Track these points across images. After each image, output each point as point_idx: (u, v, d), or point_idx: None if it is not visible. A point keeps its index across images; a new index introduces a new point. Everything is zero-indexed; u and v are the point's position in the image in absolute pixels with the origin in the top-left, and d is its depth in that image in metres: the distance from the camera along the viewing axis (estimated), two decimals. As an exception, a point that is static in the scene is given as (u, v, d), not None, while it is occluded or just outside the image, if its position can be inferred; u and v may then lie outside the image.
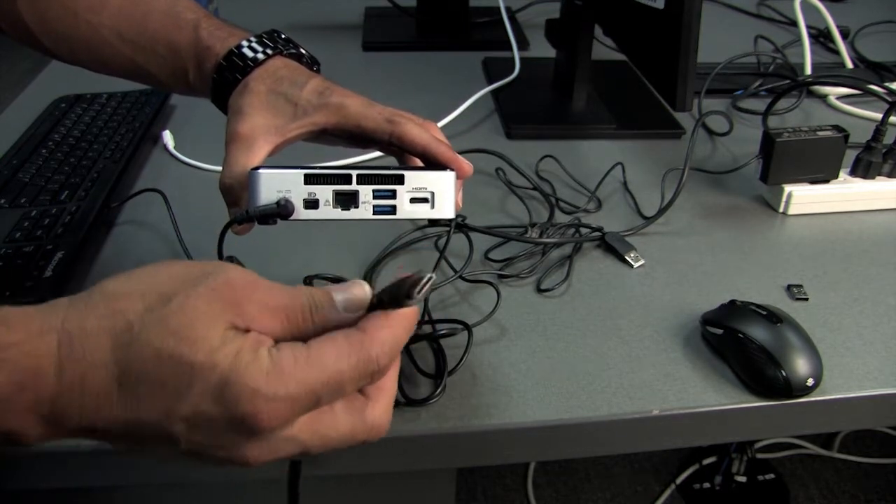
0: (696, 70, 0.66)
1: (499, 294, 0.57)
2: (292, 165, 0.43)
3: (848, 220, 0.69)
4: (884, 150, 0.70)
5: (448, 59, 1.05)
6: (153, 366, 0.30)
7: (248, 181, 0.42)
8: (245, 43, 0.49)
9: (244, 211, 0.43)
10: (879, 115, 0.71)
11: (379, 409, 0.34)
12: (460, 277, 0.59)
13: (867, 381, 0.51)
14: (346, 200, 0.43)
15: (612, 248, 0.64)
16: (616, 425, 0.48)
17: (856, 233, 0.68)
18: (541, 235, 0.65)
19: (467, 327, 0.53)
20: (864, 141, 0.71)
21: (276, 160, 0.46)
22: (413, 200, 0.43)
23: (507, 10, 1.11)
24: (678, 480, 1.40)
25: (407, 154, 0.48)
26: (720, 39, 1.05)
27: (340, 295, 0.33)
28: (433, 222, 0.45)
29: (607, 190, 0.74)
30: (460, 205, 0.46)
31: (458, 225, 0.61)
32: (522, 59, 0.98)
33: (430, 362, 0.52)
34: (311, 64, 0.53)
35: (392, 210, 0.43)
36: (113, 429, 0.31)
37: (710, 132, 0.86)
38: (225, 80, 0.49)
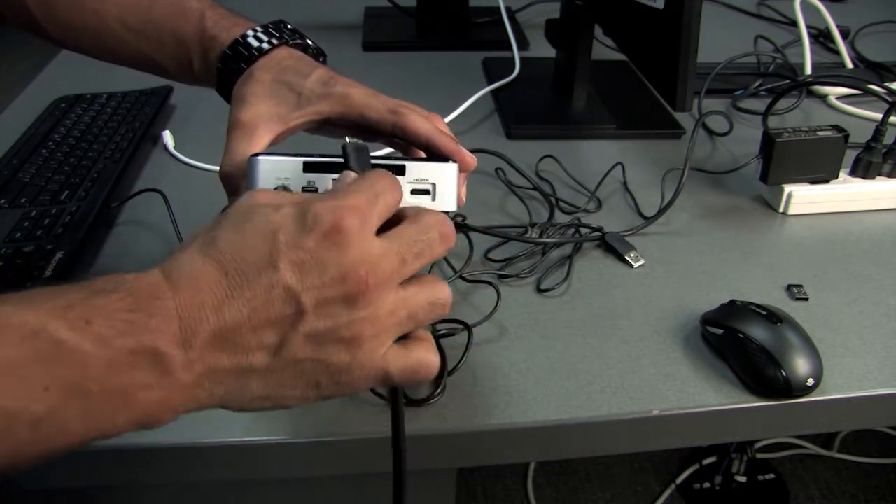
0: (696, 70, 0.66)
1: (499, 294, 0.57)
2: (292, 153, 0.42)
3: (848, 220, 0.69)
4: (884, 150, 0.70)
5: (448, 59, 1.05)
6: (240, 243, 0.32)
7: (247, 168, 0.42)
8: (251, 32, 0.49)
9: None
10: (879, 115, 0.71)
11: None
12: (460, 277, 0.59)
13: (867, 381, 0.51)
14: None
15: (612, 248, 0.64)
16: (616, 425, 0.48)
17: (856, 233, 0.68)
18: (541, 235, 0.65)
19: (467, 327, 0.53)
20: (864, 141, 0.71)
21: (278, 150, 0.46)
22: (414, 192, 0.42)
23: (507, 10, 1.11)
24: (678, 480, 1.40)
25: (412, 148, 0.48)
26: (720, 39, 1.05)
27: (338, 183, 0.37)
28: None
29: (607, 190, 0.74)
30: (463, 200, 0.46)
31: (458, 225, 0.61)
32: (522, 59, 0.98)
33: (430, 362, 0.52)
34: (317, 55, 0.53)
35: None
36: (240, 322, 0.32)
37: (710, 132, 0.86)
38: (230, 69, 0.49)
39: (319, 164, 0.42)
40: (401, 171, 0.42)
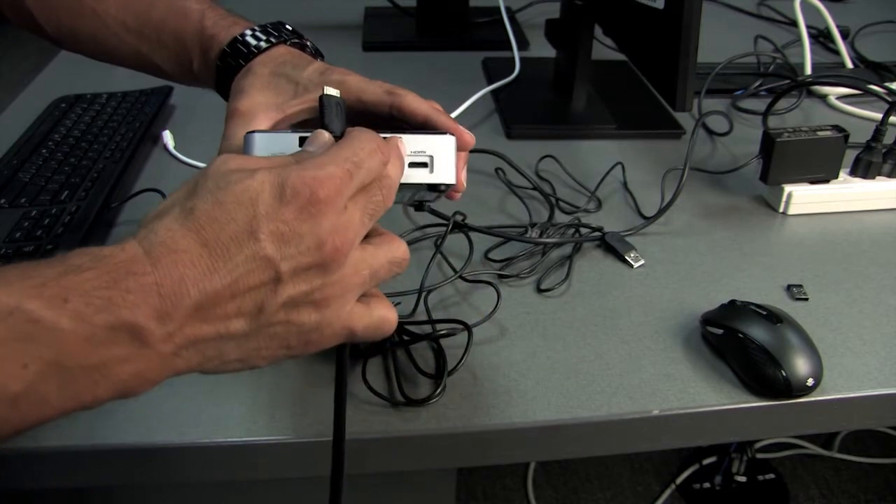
0: (696, 70, 0.66)
1: (499, 294, 0.57)
2: (289, 130, 0.42)
3: (848, 220, 0.69)
4: (884, 150, 0.70)
5: (448, 59, 1.05)
6: (219, 212, 0.33)
7: (244, 144, 0.42)
8: (249, 32, 0.50)
9: None
10: (879, 115, 0.71)
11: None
12: (460, 277, 0.59)
13: (867, 381, 0.51)
14: None
15: (612, 248, 0.64)
16: (616, 425, 0.48)
17: (856, 233, 0.68)
18: (541, 235, 0.65)
19: (467, 327, 0.53)
20: (864, 141, 0.71)
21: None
22: (412, 165, 0.42)
23: (507, 10, 1.11)
24: (678, 480, 1.40)
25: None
26: (720, 39, 1.05)
27: (311, 145, 0.38)
28: (433, 188, 0.43)
29: (607, 190, 0.74)
30: (463, 183, 0.45)
31: (458, 225, 0.61)
32: (522, 59, 0.98)
33: (430, 362, 0.52)
34: (315, 54, 0.53)
35: None
36: (220, 292, 0.32)
37: (710, 132, 0.86)
38: (228, 66, 0.49)
39: None
40: None
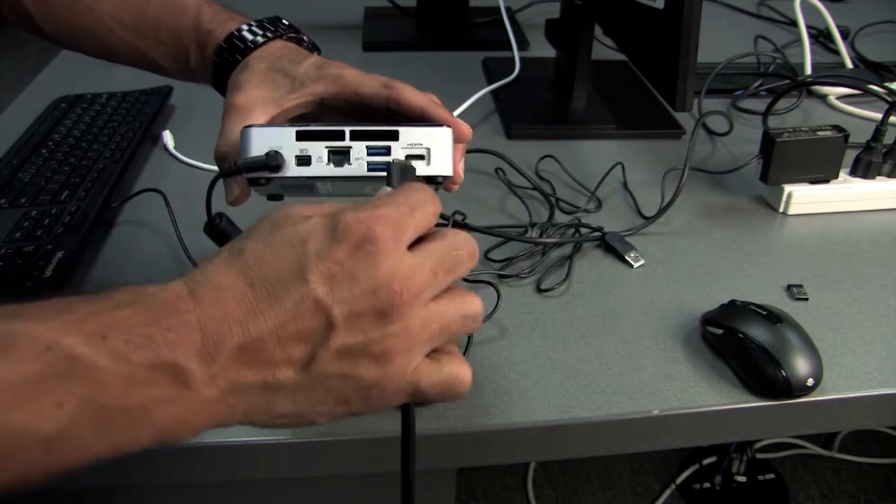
0: (696, 70, 0.66)
1: (499, 294, 0.57)
2: (286, 124, 0.42)
3: (848, 220, 0.69)
4: (884, 150, 0.70)
5: (448, 59, 1.05)
6: (268, 254, 0.32)
7: (240, 139, 0.41)
8: (245, 27, 0.50)
9: (233, 162, 0.41)
10: (879, 115, 0.71)
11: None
12: (460, 277, 0.59)
13: (867, 381, 0.51)
14: (340, 157, 0.41)
15: (612, 248, 0.64)
16: (616, 425, 0.48)
17: (856, 233, 0.68)
18: (541, 235, 0.65)
19: (467, 327, 0.53)
20: (864, 141, 0.71)
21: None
22: (408, 157, 0.42)
23: (507, 10, 1.11)
24: (678, 480, 1.40)
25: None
26: (720, 39, 1.05)
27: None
28: (430, 180, 0.43)
29: (607, 190, 0.74)
30: (461, 175, 0.45)
31: (458, 224, 0.61)
32: (522, 59, 0.98)
33: (430, 362, 0.52)
34: (312, 49, 0.53)
35: (387, 166, 0.42)
36: (266, 336, 0.30)
37: (710, 132, 0.86)
38: (225, 61, 0.49)
39: (312, 132, 0.41)
40: (394, 136, 0.42)
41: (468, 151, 0.68)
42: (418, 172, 0.42)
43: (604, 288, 0.60)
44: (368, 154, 0.42)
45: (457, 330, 0.35)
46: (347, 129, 0.42)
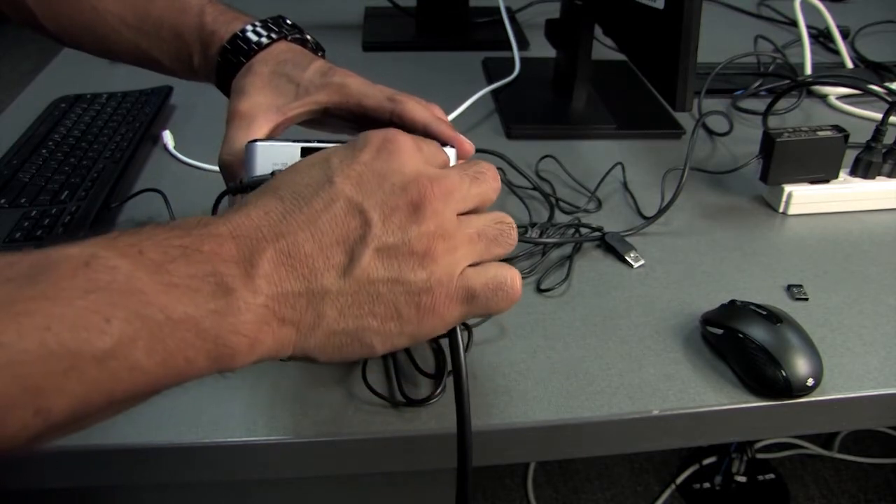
0: (696, 70, 0.66)
1: (499, 294, 0.57)
2: (291, 139, 0.42)
3: (848, 220, 0.69)
4: (884, 150, 0.70)
5: (448, 59, 1.05)
6: (293, 175, 0.33)
7: (245, 154, 0.41)
8: (250, 27, 0.49)
9: (238, 181, 0.41)
10: (879, 115, 0.71)
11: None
12: (460, 277, 0.59)
13: (867, 381, 0.51)
14: None
15: (612, 248, 0.64)
16: (616, 425, 0.48)
17: (856, 233, 0.68)
18: (541, 235, 0.65)
19: (467, 327, 0.53)
20: (864, 141, 0.71)
21: (277, 139, 0.45)
22: None
23: (507, 10, 1.11)
24: (678, 480, 1.40)
25: None
26: (720, 39, 1.05)
27: None
28: None
29: (607, 190, 0.74)
30: None
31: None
32: (522, 59, 0.98)
33: (430, 362, 0.52)
34: (316, 50, 0.53)
35: None
36: (302, 242, 0.31)
37: (710, 132, 0.86)
38: (229, 63, 0.49)
39: (317, 149, 0.41)
40: None
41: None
42: None
43: (604, 288, 0.60)
44: None
45: (494, 235, 0.35)
46: None
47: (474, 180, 0.35)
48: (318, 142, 0.41)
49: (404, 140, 0.33)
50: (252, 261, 0.30)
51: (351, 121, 0.49)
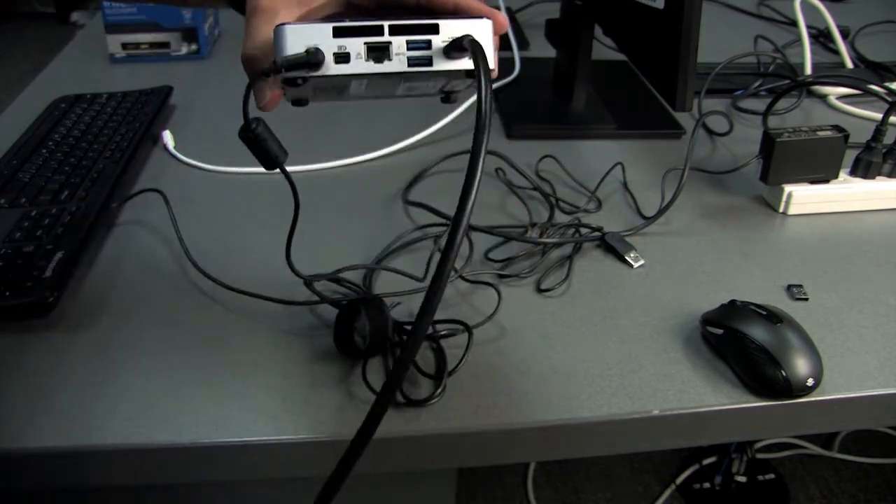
0: (696, 70, 0.66)
1: (499, 294, 0.57)
2: (321, 21, 0.40)
3: (848, 220, 0.69)
4: (884, 150, 0.70)
5: (448, 59, 1.05)
6: None
7: (274, 38, 0.40)
8: None
9: (272, 62, 0.40)
10: (879, 115, 0.71)
11: None
12: (460, 277, 0.59)
13: (867, 381, 0.51)
14: (379, 53, 0.40)
15: (612, 248, 0.64)
16: (616, 425, 0.48)
17: (856, 233, 0.68)
18: (541, 235, 0.65)
19: (468, 328, 0.53)
20: (864, 141, 0.71)
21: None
22: (448, 50, 0.40)
23: (508, 10, 1.11)
24: (678, 480, 1.40)
25: None
26: (720, 39, 1.05)
27: None
28: (471, 73, 0.41)
29: (607, 190, 0.74)
30: (496, 70, 0.43)
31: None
32: (522, 59, 0.98)
33: (430, 363, 0.52)
34: None
35: (428, 61, 0.40)
36: None
37: (710, 132, 0.86)
38: None
39: (350, 28, 0.40)
40: (434, 29, 0.40)
41: (466, 153, 0.68)
42: (460, 66, 0.41)
43: (604, 288, 0.60)
44: (409, 49, 0.40)
45: None
46: (386, 24, 0.40)
47: None
48: (351, 20, 0.40)
49: None
50: None
51: (375, 12, 0.47)
